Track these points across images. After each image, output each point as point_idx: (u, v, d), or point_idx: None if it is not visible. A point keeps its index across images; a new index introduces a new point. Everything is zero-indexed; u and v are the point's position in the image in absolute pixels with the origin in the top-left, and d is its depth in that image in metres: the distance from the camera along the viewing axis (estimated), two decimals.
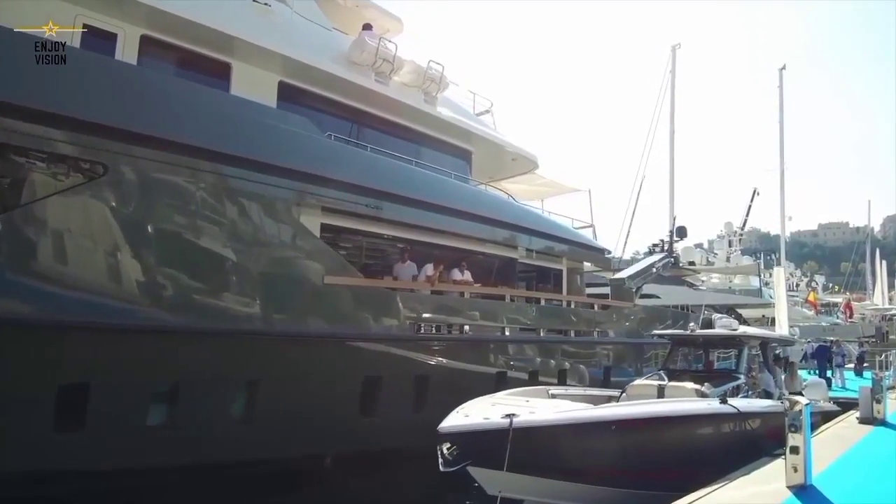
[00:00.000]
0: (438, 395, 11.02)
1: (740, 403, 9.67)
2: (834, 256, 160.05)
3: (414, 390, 11.90)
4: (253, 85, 11.89)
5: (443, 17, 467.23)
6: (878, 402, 12.40)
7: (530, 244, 16.58)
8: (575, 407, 9.01)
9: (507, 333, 14.62)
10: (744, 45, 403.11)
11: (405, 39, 15.59)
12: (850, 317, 56.79)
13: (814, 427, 9.59)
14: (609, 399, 11.33)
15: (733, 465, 8.15)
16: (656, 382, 11.26)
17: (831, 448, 9.57)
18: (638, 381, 12.02)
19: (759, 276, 48.76)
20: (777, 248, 40.70)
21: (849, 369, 25.85)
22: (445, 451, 7.09)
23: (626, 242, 27.22)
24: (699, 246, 66.49)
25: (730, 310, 34.57)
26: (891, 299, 68.30)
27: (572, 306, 17.53)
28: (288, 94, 12.62)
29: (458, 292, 13.91)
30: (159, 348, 8.80)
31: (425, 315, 12.76)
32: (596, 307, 18.56)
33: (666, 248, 23.99)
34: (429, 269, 13.30)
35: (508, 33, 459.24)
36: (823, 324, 51.24)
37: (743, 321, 26.04)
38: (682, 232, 25.28)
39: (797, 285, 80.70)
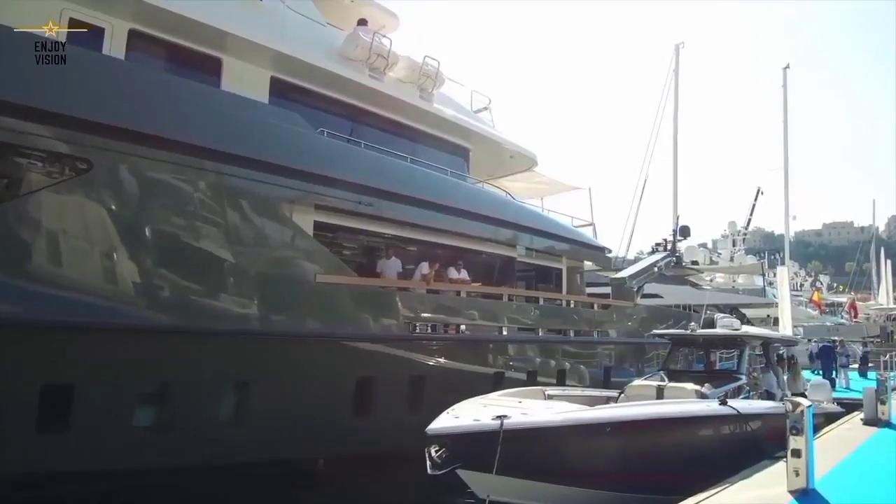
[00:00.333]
0: (434, 395, 10.78)
1: (740, 405, 9.47)
2: (838, 256, 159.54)
3: (409, 391, 11.69)
4: (244, 81, 11.69)
5: (442, 14, 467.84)
6: (883, 403, 12.23)
7: (529, 243, 16.37)
8: (569, 408, 8.78)
9: (504, 333, 14.39)
10: (747, 45, 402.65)
11: (404, 38, 15.43)
12: (855, 317, 56.59)
13: (817, 429, 9.39)
14: (607, 400, 11.15)
15: (733, 468, 7.94)
16: (655, 383, 11.07)
17: (834, 450, 9.37)
18: (637, 382, 11.81)
19: (763, 275, 48.57)
20: (781, 247, 40.56)
21: (853, 370, 25.59)
22: (434, 454, 6.89)
23: (629, 242, 27.04)
24: (703, 246, 66.28)
25: (733, 309, 34.33)
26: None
27: (572, 306, 17.30)
28: (280, 89, 12.42)
29: (455, 291, 13.68)
30: (146, 348, 8.62)
31: (420, 314, 12.54)
32: (596, 307, 18.32)
33: (669, 247, 23.76)
34: (424, 267, 13.09)
35: (509, 31, 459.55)
36: (828, 324, 51.03)
37: (747, 321, 25.81)
38: (685, 231, 25.11)
39: (801, 285, 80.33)
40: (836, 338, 30.35)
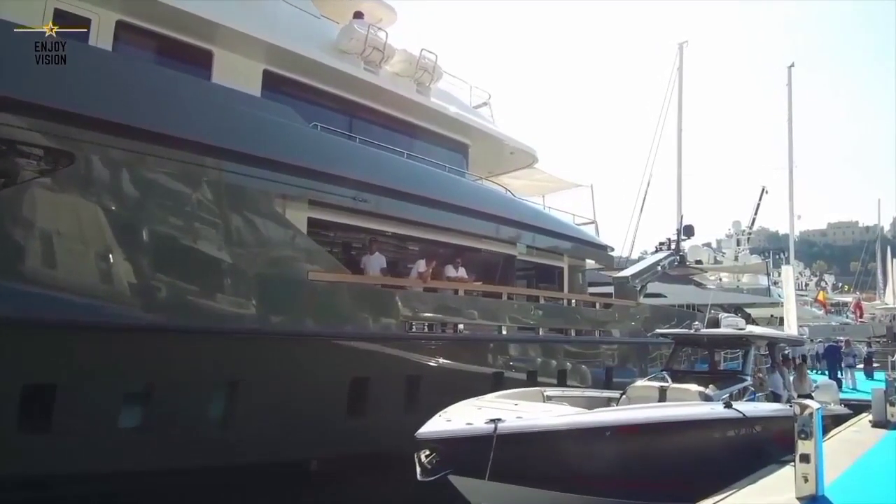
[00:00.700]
0: (431, 396, 10.50)
1: (746, 407, 9.18)
2: (843, 256, 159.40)
3: (405, 391, 11.39)
4: (236, 73, 11.40)
5: (444, 10, 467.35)
6: (892, 404, 11.95)
7: (530, 241, 16.03)
8: (567, 411, 8.47)
9: (504, 333, 14.07)
10: (749, 44, 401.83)
11: (404, 37, 15.16)
12: (861, 316, 56.34)
13: (824, 431, 9.08)
14: (608, 401, 10.88)
15: (738, 473, 7.65)
16: (658, 384, 10.78)
17: (843, 454, 9.08)
18: (639, 383, 11.51)
19: (768, 274, 48.43)
20: (786, 247, 40.32)
21: (860, 370, 25.31)
22: (424, 459, 6.58)
23: (633, 241, 26.76)
24: (707, 245, 66.12)
25: (738, 309, 34.14)
26: None
27: (573, 305, 16.98)
28: (273, 83, 12.14)
29: (453, 290, 13.37)
30: (131, 347, 8.32)
31: (417, 313, 12.23)
32: (598, 306, 18.00)
33: (672, 246, 23.50)
34: (421, 265, 12.78)
35: (512, 28, 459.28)
36: (833, 323, 50.80)
37: (751, 321, 25.56)
38: (689, 230, 24.89)
39: (806, 285, 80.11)
40: (841, 337, 30.07)
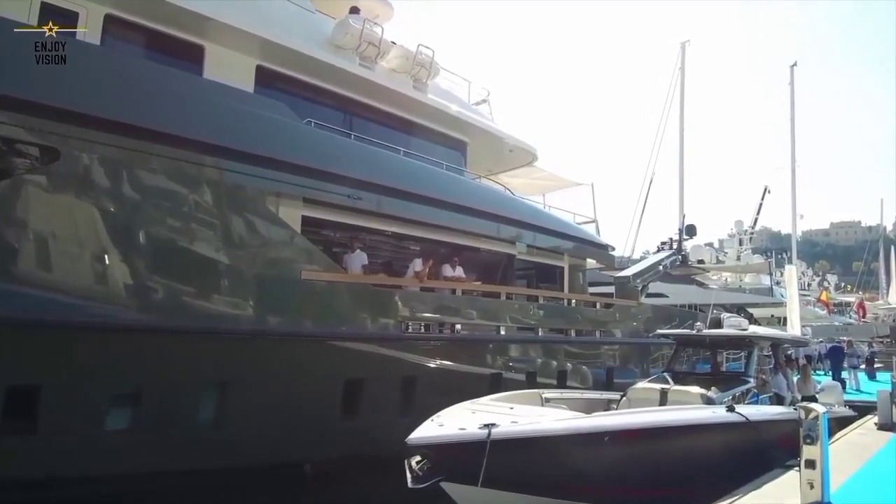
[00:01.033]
0: (428, 398, 10.28)
1: (749, 411, 8.92)
2: (846, 256, 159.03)
3: (401, 393, 11.16)
4: (229, 69, 11.20)
5: (443, 10, 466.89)
6: None
7: (529, 240, 15.80)
8: (564, 415, 8.21)
9: (503, 333, 13.83)
10: (752, 43, 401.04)
11: (404, 36, 14.92)
12: (864, 316, 56.07)
13: (829, 434, 8.85)
14: (608, 403, 10.64)
15: (742, 478, 7.42)
16: (659, 386, 10.54)
17: (849, 458, 8.83)
18: (640, 385, 11.26)
19: (771, 274, 48.15)
20: (788, 246, 40.17)
21: (863, 370, 25.03)
22: (415, 466, 6.33)
23: (635, 241, 26.55)
24: (709, 245, 65.80)
25: (740, 309, 33.89)
26: None
27: (573, 305, 16.74)
28: (267, 78, 11.96)
29: (450, 289, 13.13)
30: (119, 347, 8.12)
31: (413, 313, 11.99)
32: (599, 306, 17.75)
33: (675, 246, 23.27)
34: (417, 264, 12.56)
35: (513, 27, 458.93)
36: (836, 323, 50.56)
37: (754, 321, 25.32)
38: (691, 230, 24.65)
39: (809, 285, 79.86)
40: (845, 338, 29.82)
